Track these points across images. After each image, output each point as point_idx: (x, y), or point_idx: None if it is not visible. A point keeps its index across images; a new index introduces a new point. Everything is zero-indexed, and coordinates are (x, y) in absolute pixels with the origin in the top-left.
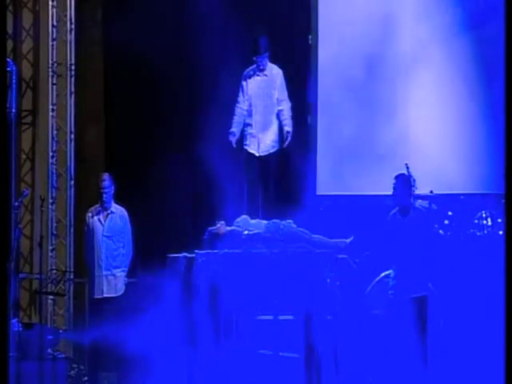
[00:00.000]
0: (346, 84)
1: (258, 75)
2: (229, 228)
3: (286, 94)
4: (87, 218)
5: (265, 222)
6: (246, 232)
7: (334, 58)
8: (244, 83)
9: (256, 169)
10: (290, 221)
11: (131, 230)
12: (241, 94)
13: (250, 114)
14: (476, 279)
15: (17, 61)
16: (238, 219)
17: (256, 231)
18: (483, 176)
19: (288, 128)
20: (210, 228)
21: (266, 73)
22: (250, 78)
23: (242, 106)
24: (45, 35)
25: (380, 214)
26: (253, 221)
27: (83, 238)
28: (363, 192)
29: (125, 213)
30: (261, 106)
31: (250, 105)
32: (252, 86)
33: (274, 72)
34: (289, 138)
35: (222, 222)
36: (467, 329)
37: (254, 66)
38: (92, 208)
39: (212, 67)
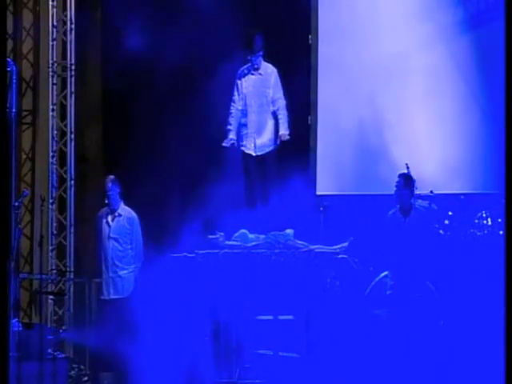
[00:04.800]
0: (346, 84)
1: (252, 74)
2: (227, 242)
3: (281, 92)
4: (97, 220)
5: (263, 236)
6: (239, 242)
7: (334, 57)
8: (239, 82)
9: (254, 169)
10: (289, 231)
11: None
12: (236, 92)
13: (245, 114)
14: (476, 279)
15: (17, 61)
16: (236, 234)
17: (254, 243)
18: (483, 176)
19: (284, 126)
20: (209, 237)
21: (260, 71)
22: (244, 76)
23: (237, 105)
24: (45, 35)
25: (380, 214)
26: (251, 235)
27: (96, 239)
28: (363, 192)
29: (133, 214)
30: (256, 105)
31: (245, 104)
32: (247, 84)
33: (269, 71)
34: (286, 137)
35: (222, 234)
36: (467, 329)
37: (249, 64)
38: (102, 209)
39: (212, 67)
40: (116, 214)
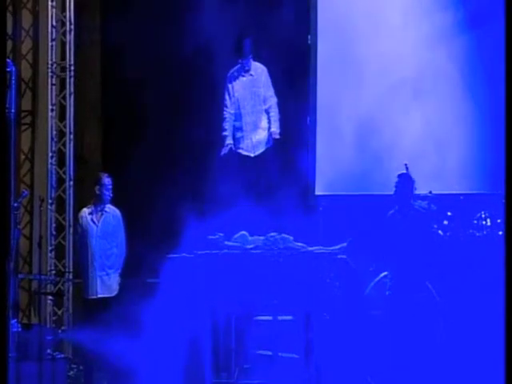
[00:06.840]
0: (345, 84)
1: (243, 76)
2: (227, 243)
3: (272, 90)
4: (80, 219)
5: (262, 237)
6: (238, 244)
7: (333, 57)
8: (230, 86)
9: (252, 170)
10: (288, 236)
11: (124, 230)
12: (227, 96)
13: (238, 118)
14: (475, 280)
15: (16, 61)
16: (236, 235)
17: (253, 246)
18: (483, 176)
19: (276, 124)
20: (209, 237)
21: (251, 73)
22: (235, 79)
23: (230, 109)
24: (44, 36)
25: (380, 214)
26: (251, 237)
27: (76, 238)
28: (362, 192)
29: (117, 213)
30: (249, 106)
31: (238, 107)
32: (238, 87)
33: (259, 70)
34: (277, 135)
35: (221, 234)
36: (467, 329)
37: (238, 66)
38: (85, 208)
39: (211, 68)
40: (103, 212)
